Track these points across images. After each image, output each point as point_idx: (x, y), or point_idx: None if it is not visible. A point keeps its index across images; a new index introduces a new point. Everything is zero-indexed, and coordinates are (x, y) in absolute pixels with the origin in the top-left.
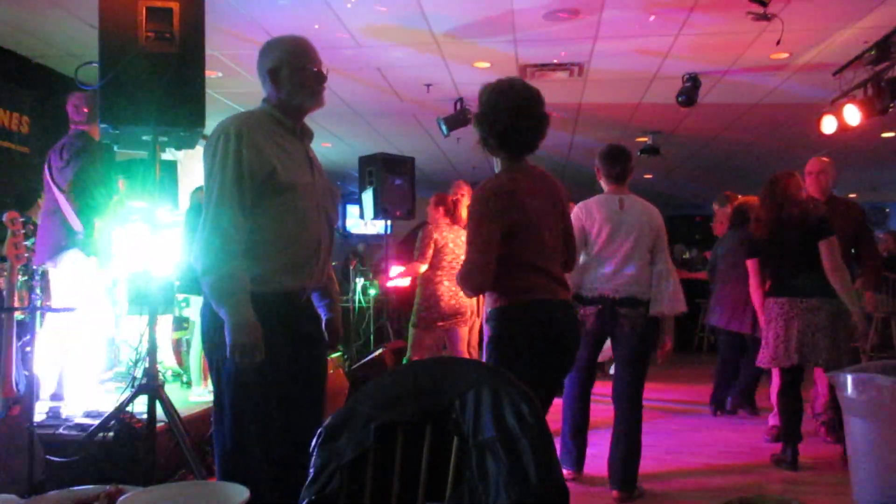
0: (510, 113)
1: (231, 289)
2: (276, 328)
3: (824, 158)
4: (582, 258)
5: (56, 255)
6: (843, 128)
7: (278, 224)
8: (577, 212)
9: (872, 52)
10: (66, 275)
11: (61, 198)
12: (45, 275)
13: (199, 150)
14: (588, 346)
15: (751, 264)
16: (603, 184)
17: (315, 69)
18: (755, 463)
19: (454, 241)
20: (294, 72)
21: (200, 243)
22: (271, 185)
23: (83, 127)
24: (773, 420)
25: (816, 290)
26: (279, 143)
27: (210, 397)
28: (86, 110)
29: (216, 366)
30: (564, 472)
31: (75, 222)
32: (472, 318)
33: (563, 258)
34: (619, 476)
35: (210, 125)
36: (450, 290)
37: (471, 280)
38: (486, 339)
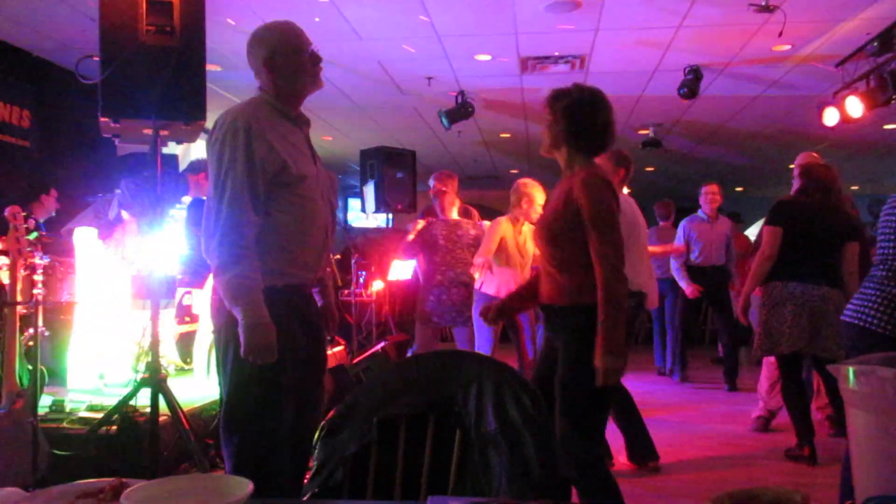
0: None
1: (246, 288)
2: (292, 321)
3: (814, 154)
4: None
5: (77, 223)
6: (845, 120)
7: (290, 217)
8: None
9: (875, 44)
10: (77, 245)
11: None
12: (46, 269)
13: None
14: None
15: (777, 232)
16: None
17: (309, 51)
18: (758, 454)
19: (446, 238)
20: (290, 57)
21: (214, 240)
22: (283, 178)
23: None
24: (757, 411)
25: (826, 279)
26: (284, 135)
27: (214, 391)
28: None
29: (228, 360)
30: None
31: (114, 208)
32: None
33: None
34: (650, 445)
35: (211, 119)
36: (440, 286)
37: None
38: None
